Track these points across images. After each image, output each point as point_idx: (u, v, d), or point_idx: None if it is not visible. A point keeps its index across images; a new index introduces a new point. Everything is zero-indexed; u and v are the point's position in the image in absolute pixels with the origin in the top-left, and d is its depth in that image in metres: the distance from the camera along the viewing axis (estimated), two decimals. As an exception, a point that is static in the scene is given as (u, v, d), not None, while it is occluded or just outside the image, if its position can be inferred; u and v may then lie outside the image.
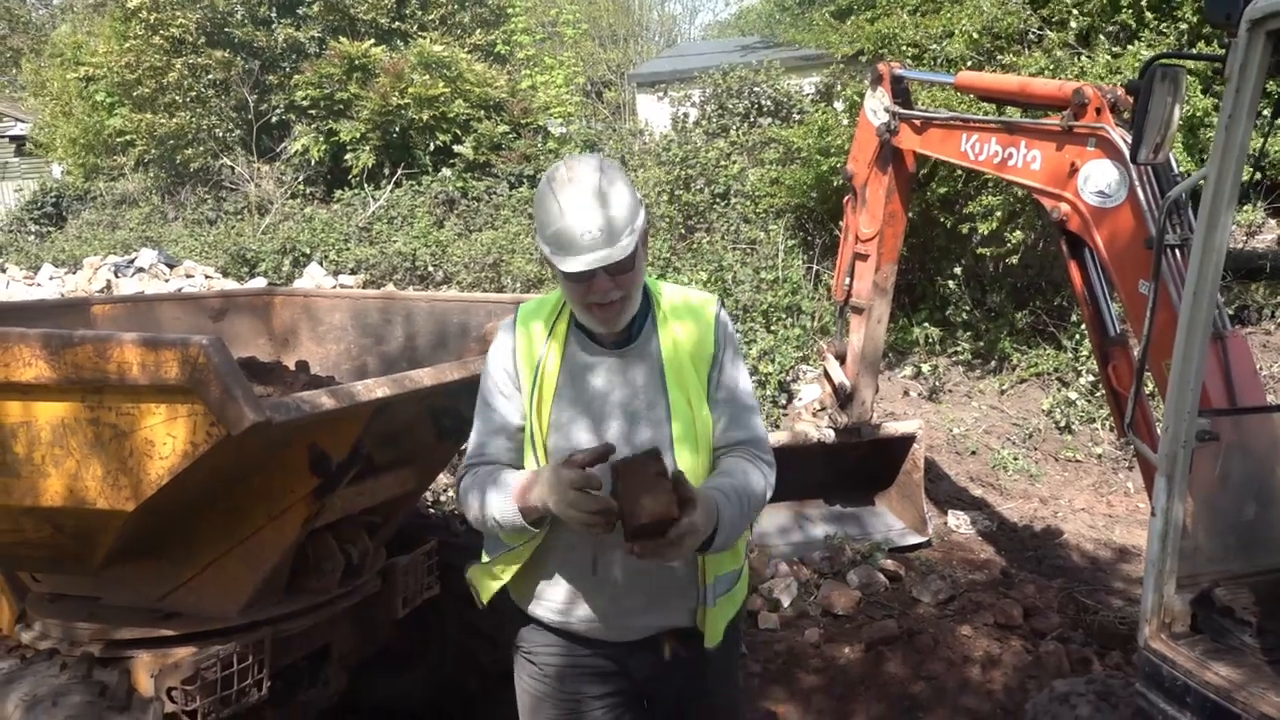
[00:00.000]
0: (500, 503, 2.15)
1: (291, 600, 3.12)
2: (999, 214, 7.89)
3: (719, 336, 2.30)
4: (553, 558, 2.27)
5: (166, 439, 2.38)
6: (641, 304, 2.27)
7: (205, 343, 2.25)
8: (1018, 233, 7.98)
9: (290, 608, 3.09)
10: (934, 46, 8.88)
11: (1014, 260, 8.36)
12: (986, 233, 8.00)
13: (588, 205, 2.04)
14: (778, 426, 7.82)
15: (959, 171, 8.07)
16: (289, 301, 4.74)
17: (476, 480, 2.24)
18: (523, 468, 2.26)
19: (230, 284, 11.98)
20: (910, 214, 6.05)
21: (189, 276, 12.00)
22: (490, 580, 2.34)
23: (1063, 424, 7.72)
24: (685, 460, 2.19)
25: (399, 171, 15.04)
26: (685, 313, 2.31)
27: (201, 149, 16.77)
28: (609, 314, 2.16)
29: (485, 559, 2.38)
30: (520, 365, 2.27)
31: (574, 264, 2.06)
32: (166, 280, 11.86)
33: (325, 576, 3.20)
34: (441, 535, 3.95)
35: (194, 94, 16.79)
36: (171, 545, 2.91)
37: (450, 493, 5.96)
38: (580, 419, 2.22)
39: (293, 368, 4.25)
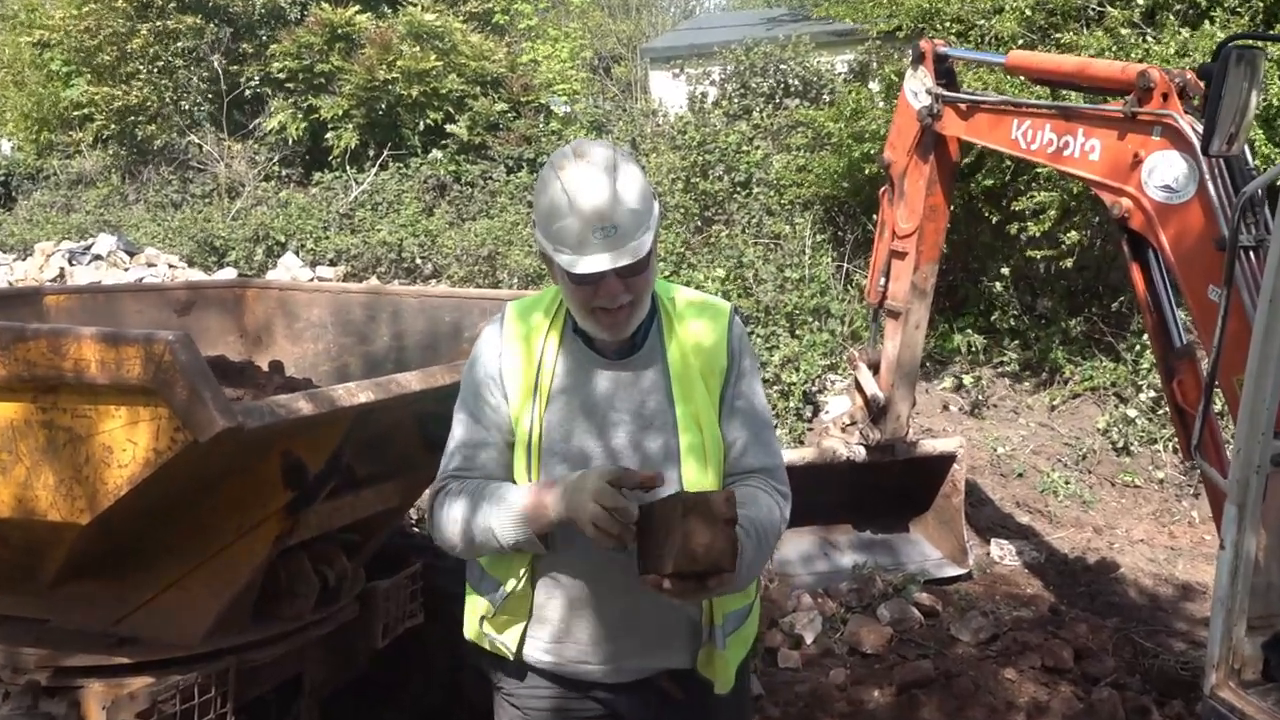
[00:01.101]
0: (501, 515, 2.12)
1: (260, 627, 3.12)
2: (1052, 211, 7.89)
3: (734, 347, 2.29)
4: (543, 589, 2.25)
5: (127, 445, 2.39)
6: (649, 308, 2.25)
7: (171, 339, 2.26)
8: (1072, 232, 7.97)
9: (258, 635, 3.10)
10: (981, 23, 8.89)
11: (1068, 262, 8.36)
12: (1038, 233, 8.00)
13: (599, 199, 2.02)
14: (802, 442, 7.82)
15: (1007, 161, 8.07)
16: (263, 295, 4.76)
17: (465, 491, 2.20)
18: (512, 482, 2.24)
19: (196, 274, 12.02)
20: (953, 208, 6.05)
21: (150, 265, 12.05)
22: (476, 615, 2.35)
23: (1120, 444, 7.71)
24: (692, 474, 2.18)
25: (385, 153, 15.09)
26: (697, 320, 2.30)
27: (167, 124, 16.84)
28: (615, 320, 2.13)
29: (473, 594, 2.37)
30: (511, 368, 2.24)
31: (583, 265, 2.03)
32: (126, 269, 11.91)
33: (298, 601, 3.20)
34: (427, 557, 3.95)
35: (160, 63, 16.86)
36: (128, 563, 2.92)
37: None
38: (585, 424, 2.20)
39: (266, 368, 4.26)
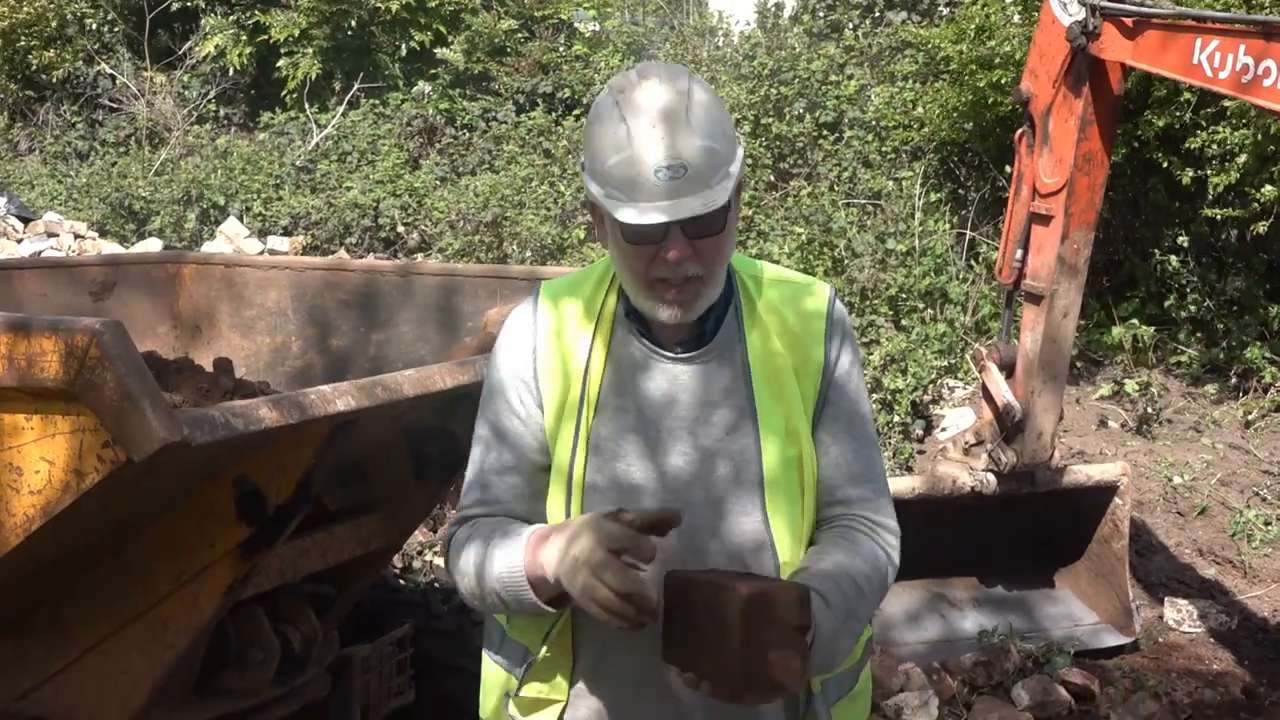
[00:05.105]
0: (504, 575, 2.13)
1: (204, 704, 3.18)
2: (1242, 158, 7.80)
3: (832, 335, 2.32)
4: (587, 656, 2.26)
5: (40, 465, 2.44)
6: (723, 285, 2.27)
7: (99, 327, 2.29)
8: (1269, 187, 7.89)
9: (202, 715, 3.15)
10: (1152, -93, 8.83)
11: (1262, 226, 8.27)
12: (1223, 186, 7.92)
13: (670, 128, 2.04)
14: (911, 469, 7.81)
15: (1187, 94, 8.01)
16: (203, 273, 4.83)
17: (477, 533, 2.23)
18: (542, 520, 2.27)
19: (111, 247, 12.15)
20: (1115, 157, 6.03)
21: (51, 235, 12.20)
22: (496, 691, 2.37)
23: (1339, 473, 7.65)
24: (780, 513, 2.20)
25: (355, 86, 15.18)
26: (787, 301, 2.33)
27: (69, 50, 17.01)
28: (682, 297, 2.14)
29: (491, 662, 2.38)
30: (548, 369, 2.26)
31: (640, 214, 2.05)
32: (20, 240, 12.07)
33: (253, 671, 3.25)
34: (419, 617, 4.00)
35: (61, -31, 17.05)
36: (36, 620, 2.97)
37: (431, 555, 6.01)
38: (635, 444, 2.22)
39: (209, 368, 4.32)
